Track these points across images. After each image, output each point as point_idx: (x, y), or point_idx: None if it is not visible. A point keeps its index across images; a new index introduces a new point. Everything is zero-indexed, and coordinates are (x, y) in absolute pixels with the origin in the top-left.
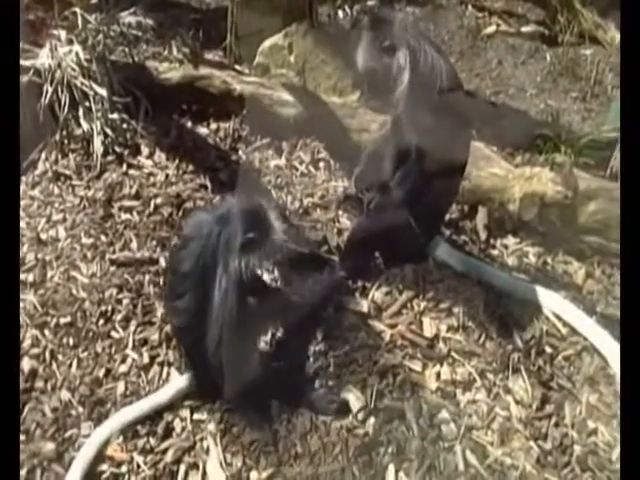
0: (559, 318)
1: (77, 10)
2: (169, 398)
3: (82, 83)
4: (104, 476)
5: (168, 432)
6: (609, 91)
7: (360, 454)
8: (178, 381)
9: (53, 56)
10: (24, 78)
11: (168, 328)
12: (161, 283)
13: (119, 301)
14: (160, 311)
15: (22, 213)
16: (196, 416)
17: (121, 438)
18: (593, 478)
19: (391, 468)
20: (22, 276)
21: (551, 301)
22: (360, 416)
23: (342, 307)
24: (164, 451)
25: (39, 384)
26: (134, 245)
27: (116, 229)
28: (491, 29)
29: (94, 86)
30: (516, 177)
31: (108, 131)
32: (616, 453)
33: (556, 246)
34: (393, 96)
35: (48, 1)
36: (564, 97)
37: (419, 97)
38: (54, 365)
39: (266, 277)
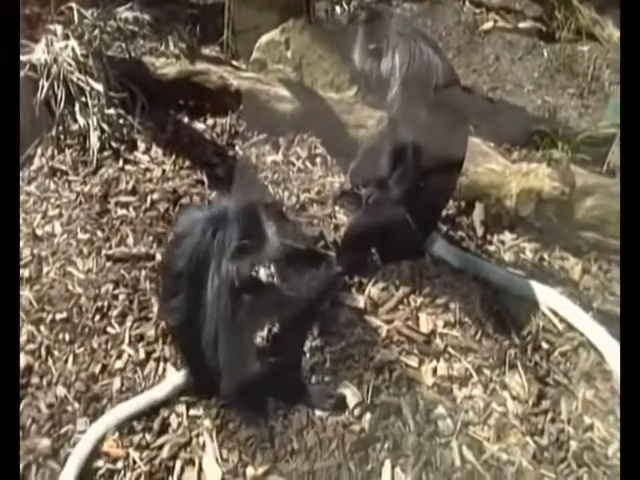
0: (555, 314)
1: (73, 5)
2: (165, 394)
3: (78, 78)
4: (100, 472)
5: (164, 428)
6: (606, 87)
7: (356, 450)
8: (174, 377)
9: (49, 51)
10: (20, 73)
11: (164, 324)
12: (157, 279)
13: (115, 297)
14: (156, 307)
15: None
16: (192, 412)
17: (117, 434)
18: (589, 474)
19: (387, 464)
20: None
21: (548, 297)
22: (356, 412)
23: (338, 303)
24: (160, 447)
25: (35, 380)
26: (130, 241)
27: (112, 225)
28: (488, 25)
29: (90, 81)
30: (513, 173)
31: (104, 126)
32: (612, 449)
33: (553, 242)
34: (387, 96)
35: None
36: (561, 93)
37: (415, 94)
38: (50, 361)
39: (262, 273)
